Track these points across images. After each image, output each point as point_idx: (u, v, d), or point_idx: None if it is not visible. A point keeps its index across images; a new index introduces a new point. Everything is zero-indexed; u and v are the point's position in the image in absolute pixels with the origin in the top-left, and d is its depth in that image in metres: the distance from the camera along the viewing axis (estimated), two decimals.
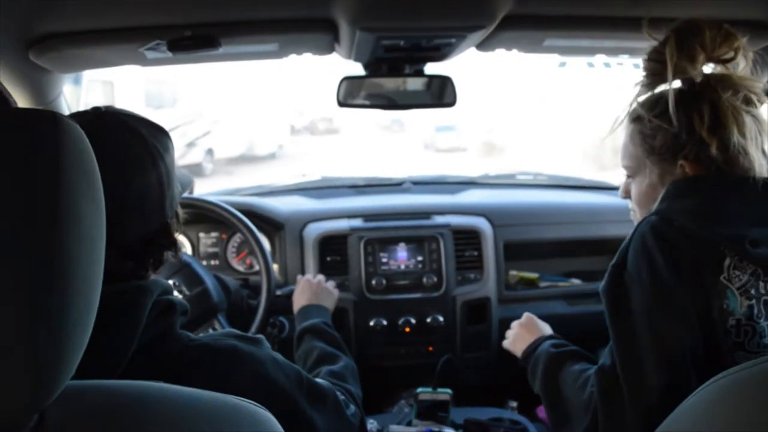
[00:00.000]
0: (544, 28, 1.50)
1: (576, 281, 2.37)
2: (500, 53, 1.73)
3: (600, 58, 1.98)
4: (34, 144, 0.58)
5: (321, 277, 1.89)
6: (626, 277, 1.18)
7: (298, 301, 1.77)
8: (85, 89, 2.04)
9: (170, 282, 1.69)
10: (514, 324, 1.67)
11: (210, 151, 14.73)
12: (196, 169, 12.91)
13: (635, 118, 1.27)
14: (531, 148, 26.63)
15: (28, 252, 0.56)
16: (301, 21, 1.43)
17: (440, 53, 1.64)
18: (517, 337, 1.61)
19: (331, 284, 1.88)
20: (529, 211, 2.42)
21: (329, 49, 1.68)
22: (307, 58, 1.73)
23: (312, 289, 1.79)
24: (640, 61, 2.00)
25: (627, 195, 1.38)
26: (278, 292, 1.87)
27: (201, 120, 14.10)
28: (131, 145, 0.96)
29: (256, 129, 17.39)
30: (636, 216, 1.37)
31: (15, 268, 0.55)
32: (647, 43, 1.67)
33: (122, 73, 11.31)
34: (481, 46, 1.62)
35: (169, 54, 1.43)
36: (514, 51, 1.73)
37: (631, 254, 1.18)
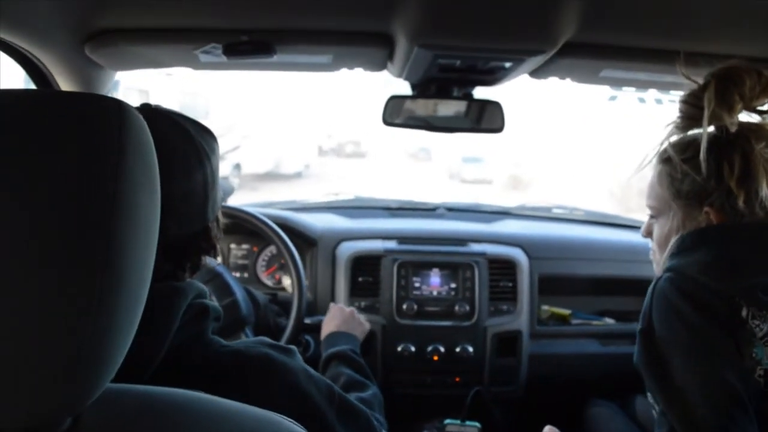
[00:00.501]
0: (602, 58, 1.47)
1: (609, 320, 2.30)
2: (541, 83, 1.70)
3: (651, 94, 1.94)
4: (99, 130, 0.56)
5: (353, 308, 1.82)
6: (658, 340, 1.13)
7: (327, 327, 1.71)
8: (122, 96, 2.05)
9: None
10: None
11: (237, 166, 14.90)
12: (224, 182, 12.99)
13: (665, 159, 1.24)
14: (557, 185, 26.55)
15: (83, 239, 0.53)
16: (359, 34, 1.41)
17: (493, 77, 1.61)
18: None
19: (362, 317, 1.81)
20: (565, 245, 2.36)
21: (381, 66, 1.66)
22: (345, 75, 1.71)
23: (343, 317, 1.74)
24: None
25: (648, 235, 1.36)
26: (307, 321, 1.82)
27: (231, 134, 14.30)
28: (179, 142, 0.94)
29: (284, 147, 17.53)
30: (656, 257, 1.35)
31: (69, 254, 0.52)
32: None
33: (158, 81, 11.53)
34: (536, 72, 1.59)
35: (223, 58, 1.42)
36: (568, 80, 1.70)
37: (657, 315, 1.14)
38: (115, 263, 0.55)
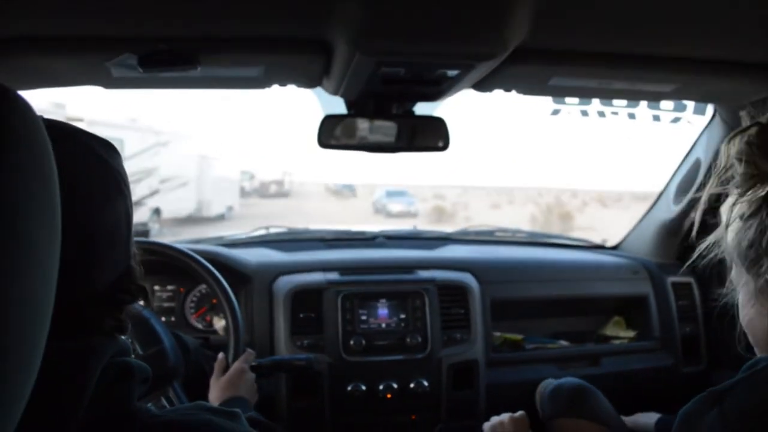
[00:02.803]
0: (552, 64, 1.39)
1: (564, 343, 2.22)
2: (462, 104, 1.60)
3: (594, 107, 1.89)
4: None
5: (244, 365, 1.54)
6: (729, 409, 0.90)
7: (216, 390, 1.45)
8: None
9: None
10: (505, 417, 1.48)
11: (157, 211, 14.49)
12: (142, 228, 12.60)
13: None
14: (480, 213, 27.20)
15: None
16: (293, 41, 1.27)
17: (437, 89, 1.50)
18: None
19: (251, 376, 1.53)
20: (515, 267, 2.28)
21: (317, 80, 1.52)
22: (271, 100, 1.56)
23: (232, 380, 1.47)
24: (636, 110, 1.95)
25: None
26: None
27: (149, 178, 13.84)
28: (93, 168, 0.75)
29: (206, 189, 17.21)
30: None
31: None
32: (654, 87, 1.60)
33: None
34: (481, 84, 1.50)
35: (139, 71, 1.24)
36: (513, 92, 1.61)
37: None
38: None
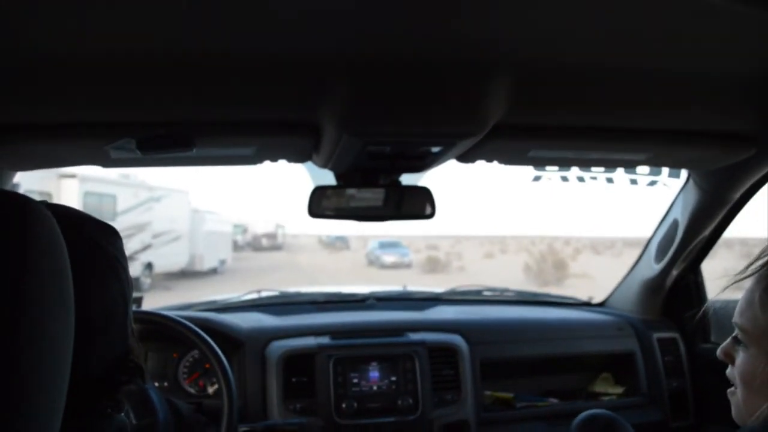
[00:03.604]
0: (530, 138, 1.46)
1: (553, 401, 2.23)
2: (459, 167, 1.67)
3: (573, 173, 1.96)
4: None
5: None
6: None
7: None
8: None
9: None
10: None
11: (149, 266, 14.38)
12: (133, 284, 12.47)
13: None
14: (474, 263, 27.16)
15: None
16: (284, 124, 1.34)
17: (422, 163, 1.57)
18: None
19: None
20: (503, 327, 2.31)
21: (307, 156, 1.59)
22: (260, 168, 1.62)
23: None
24: (613, 175, 2.02)
25: (727, 357, 1.04)
26: (242, 428, 1.64)
27: (141, 233, 13.80)
28: (90, 255, 0.79)
29: (198, 243, 17.12)
30: (736, 395, 1.02)
31: None
32: (628, 156, 1.68)
33: (60, 183, 11.06)
34: (464, 157, 1.57)
35: (137, 153, 1.29)
36: (495, 162, 1.69)
37: None
38: (19, 403, 0.44)
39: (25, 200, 0.49)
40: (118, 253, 0.82)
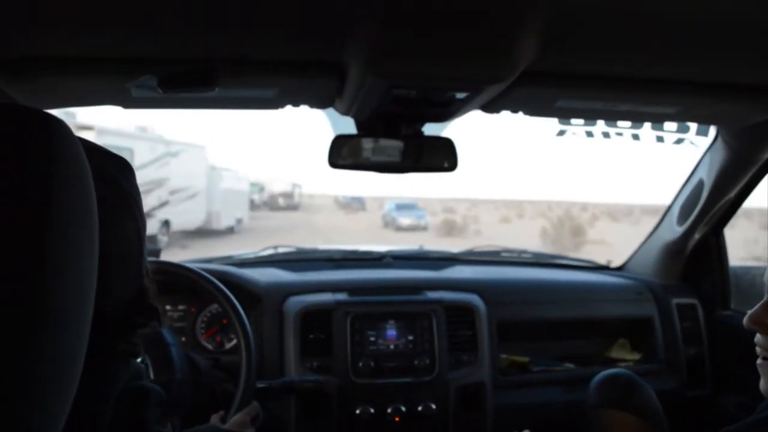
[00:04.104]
0: (559, 86, 1.42)
1: (570, 365, 2.23)
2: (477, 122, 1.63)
3: (599, 128, 1.91)
4: (23, 141, 0.47)
5: (247, 418, 1.47)
6: None
7: None
8: None
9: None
10: None
11: (166, 223, 14.42)
12: (150, 241, 12.56)
13: None
14: (490, 227, 27.12)
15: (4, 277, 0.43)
16: (308, 64, 1.30)
17: (446, 110, 1.53)
18: None
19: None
20: (521, 288, 2.29)
21: (329, 101, 1.55)
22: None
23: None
24: (639, 131, 1.97)
25: (760, 327, 1.02)
26: (260, 385, 1.65)
27: (159, 189, 13.82)
28: (104, 190, 0.77)
29: (215, 201, 17.14)
30: None
31: None
32: (657, 109, 1.63)
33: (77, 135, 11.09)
34: (489, 106, 1.53)
35: (159, 92, 1.27)
36: (520, 113, 1.64)
37: None
38: (44, 325, 0.45)
39: (48, 116, 0.49)
40: (132, 189, 0.80)
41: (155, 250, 2.00)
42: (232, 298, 1.62)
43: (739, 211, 2.18)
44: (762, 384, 1.01)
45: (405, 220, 25.54)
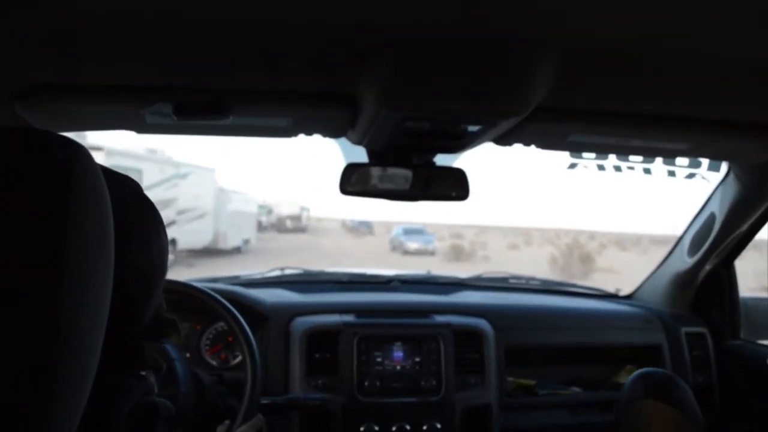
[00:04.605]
0: (572, 122, 1.43)
1: (576, 389, 2.21)
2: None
3: (610, 162, 1.92)
4: (44, 165, 0.47)
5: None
6: None
7: None
8: None
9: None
10: None
11: (173, 242, 14.50)
12: None
13: None
14: (499, 254, 27.04)
15: (20, 301, 0.43)
16: (322, 95, 1.32)
17: (458, 143, 1.53)
18: None
19: None
20: (529, 314, 2.28)
21: (342, 131, 1.56)
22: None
23: None
24: (651, 166, 1.97)
25: None
26: (264, 401, 1.65)
27: (166, 209, 13.92)
28: (143, 207, 0.79)
29: (223, 222, 17.23)
30: None
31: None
32: (669, 145, 1.63)
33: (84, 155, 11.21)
34: (501, 139, 1.53)
35: (173, 119, 1.29)
36: (532, 147, 1.65)
37: None
38: (57, 342, 0.45)
39: (70, 141, 0.49)
40: (159, 219, 0.82)
41: None
42: (238, 315, 1.62)
43: (749, 243, 2.17)
44: None
45: (413, 245, 25.55)
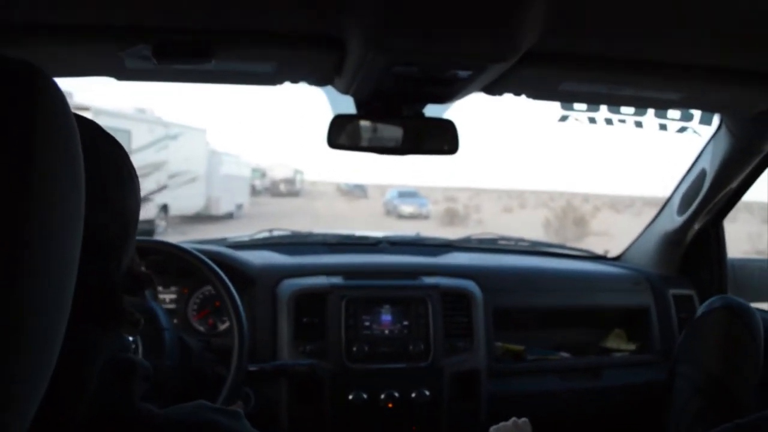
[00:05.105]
0: (563, 68, 1.39)
1: (565, 354, 2.20)
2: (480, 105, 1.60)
3: (602, 114, 1.88)
4: (6, 93, 0.44)
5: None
6: None
7: None
8: None
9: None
10: (509, 423, 1.50)
11: (164, 207, 14.36)
12: (148, 226, 12.56)
13: None
14: (493, 217, 27.11)
15: None
16: (307, 37, 1.27)
17: (449, 91, 1.49)
18: None
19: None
20: (517, 276, 2.27)
21: (329, 78, 1.52)
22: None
23: None
24: (643, 119, 1.94)
25: None
26: (251, 368, 1.64)
27: (157, 173, 13.74)
28: (109, 149, 0.75)
29: (215, 186, 17.06)
30: None
31: None
32: (661, 94, 1.60)
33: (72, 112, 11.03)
34: (491, 88, 1.49)
35: (153, 63, 1.24)
36: (523, 96, 1.61)
37: None
38: (23, 285, 0.43)
39: (35, 69, 0.46)
40: (131, 165, 0.79)
41: (147, 230, 1.99)
42: (226, 279, 1.60)
43: (741, 205, 2.15)
44: None
45: (407, 208, 25.55)
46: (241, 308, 1.58)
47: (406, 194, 27.80)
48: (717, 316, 1.62)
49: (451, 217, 24.93)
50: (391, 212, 26.29)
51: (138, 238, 0.83)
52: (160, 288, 2.01)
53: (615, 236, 16.56)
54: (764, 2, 1.06)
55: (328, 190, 44.35)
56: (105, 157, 0.73)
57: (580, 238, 18.75)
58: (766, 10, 1.09)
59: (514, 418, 1.50)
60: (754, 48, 1.30)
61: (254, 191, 28.02)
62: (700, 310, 1.65)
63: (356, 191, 39.54)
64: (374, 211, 28.25)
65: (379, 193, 36.69)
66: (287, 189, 34.95)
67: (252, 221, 17.83)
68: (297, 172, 38.10)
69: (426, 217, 25.31)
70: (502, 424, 1.51)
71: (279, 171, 36.12)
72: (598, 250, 2.79)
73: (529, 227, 19.80)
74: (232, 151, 19.82)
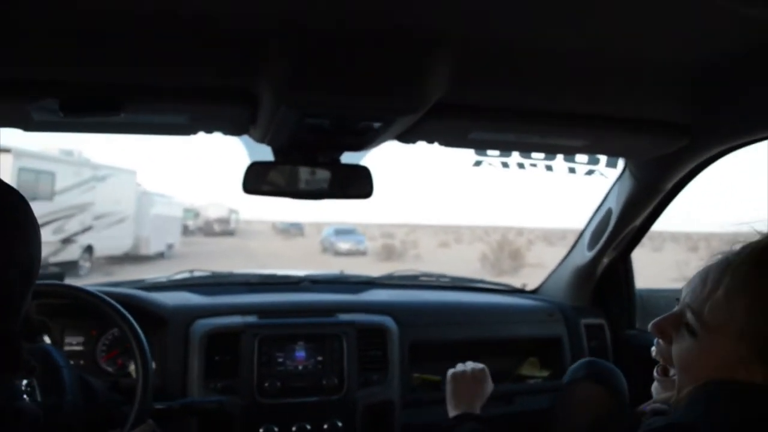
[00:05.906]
0: (471, 119, 1.44)
1: None
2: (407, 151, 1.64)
3: (514, 159, 1.95)
4: None
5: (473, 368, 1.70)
6: None
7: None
8: None
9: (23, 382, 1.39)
10: (468, 366, 1.66)
11: (89, 249, 13.93)
12: (70, 268, 12.09)
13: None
14: (430, 252, 27.32)
15: None
16: (219, 91, 1.27)
17: (362, 140, 1.52)
18: (456, 392, 1.63)
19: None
20: (435, 310, 2.30)
21: (243, 129, 1.52)
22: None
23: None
24: (553, 163, 2.02)
25: (663, 336, 0.99)
26: (159, 406, 1.59)
27: (81, 214, 13.33)
28: (11, 203, 0.76)
29: (145, 226, 16.67)
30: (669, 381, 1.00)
31: None
32: (567, 142, 1.68)
33: None
34: (404, 136, 1.53)
35: (60, 115, 1.22)
36: (436, 144, 1.66)
37: None
38: None
39: None
40: (29, 209, 0.79)
41: (58, 273, 1.93)
42: (130, 318, 1.57)
43: (667, 235, 2.25)
44: (656, 389, 1.08)
45: (344, 245, 25.49)
46: (145, 345, 1.55)
47: (343, 231, 27.77)
48: (583, 386, 1.65)
49: (389, 252, 25.02)
50: (329, 249, 26.18)
51: (44, 282, 0.83)
52: (67, 330, 1.94)
53: (549, 267, 16.81)
54: (656, 58, 1.15)
55: (264, 229, 43.82)
56: (9, 212, 0.74)
57: (516, 269, 19.10)
58: (657, 68, 1.19)
59: (470, 362, 1.66)
60: (651, 99, 1.40)
61: (187, 231, 27.40)
62: (567, 376, 1.68)
63: (292, 229, 39.21)
64: (311, 249, 28.06)
65: (316, 231, 36.50)
66: (221, 228, 34.34)
67: (183, 261, 17.40)
68: (232, 211, 37.56)
69: (363, 253, 25.30)
70: (459, 365, 1.67)
71: (213, 210, 35.54)
72: (534, 281, 2.86)
73: (466, 261, 20.06)
74: (165, 191, 19.40)
